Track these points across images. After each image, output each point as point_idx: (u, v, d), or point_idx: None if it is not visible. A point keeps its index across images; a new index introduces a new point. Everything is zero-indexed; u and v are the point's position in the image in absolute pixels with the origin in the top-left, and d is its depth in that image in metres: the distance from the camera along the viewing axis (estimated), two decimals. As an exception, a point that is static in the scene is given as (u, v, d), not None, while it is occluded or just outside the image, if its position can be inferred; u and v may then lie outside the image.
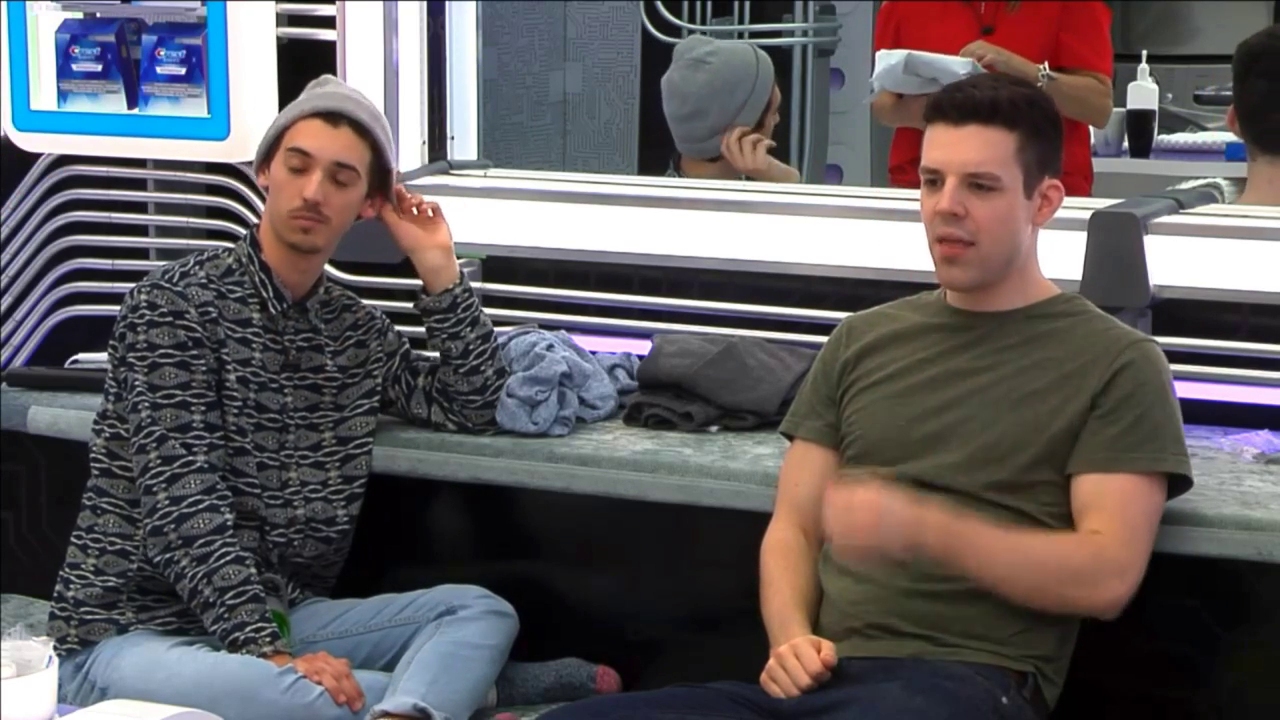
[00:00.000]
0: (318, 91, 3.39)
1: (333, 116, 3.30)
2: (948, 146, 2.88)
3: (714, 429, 3.50)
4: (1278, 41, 3.63)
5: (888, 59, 4.19)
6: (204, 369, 3.26)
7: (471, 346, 3.44)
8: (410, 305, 3.50)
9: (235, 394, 3.29)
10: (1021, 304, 2.96)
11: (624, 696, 3.19)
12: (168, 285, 3.28)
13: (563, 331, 3.68)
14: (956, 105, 2.88)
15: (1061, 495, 2.86)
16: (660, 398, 3.53)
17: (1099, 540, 2.80)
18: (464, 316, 3.43)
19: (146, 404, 3.23)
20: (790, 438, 3.12)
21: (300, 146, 3.28)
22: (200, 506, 3.19)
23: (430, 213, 3.44)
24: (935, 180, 2.89)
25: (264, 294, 3.34)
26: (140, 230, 4.18)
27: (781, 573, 2.97)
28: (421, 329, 3.49)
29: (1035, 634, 2.84)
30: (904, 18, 4.56)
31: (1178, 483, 2.90)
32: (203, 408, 3.24)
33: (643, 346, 3.69)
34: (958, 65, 4.09)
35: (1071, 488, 2.86)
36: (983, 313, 2.96)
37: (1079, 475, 2.85)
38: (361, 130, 3.31)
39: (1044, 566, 2.79)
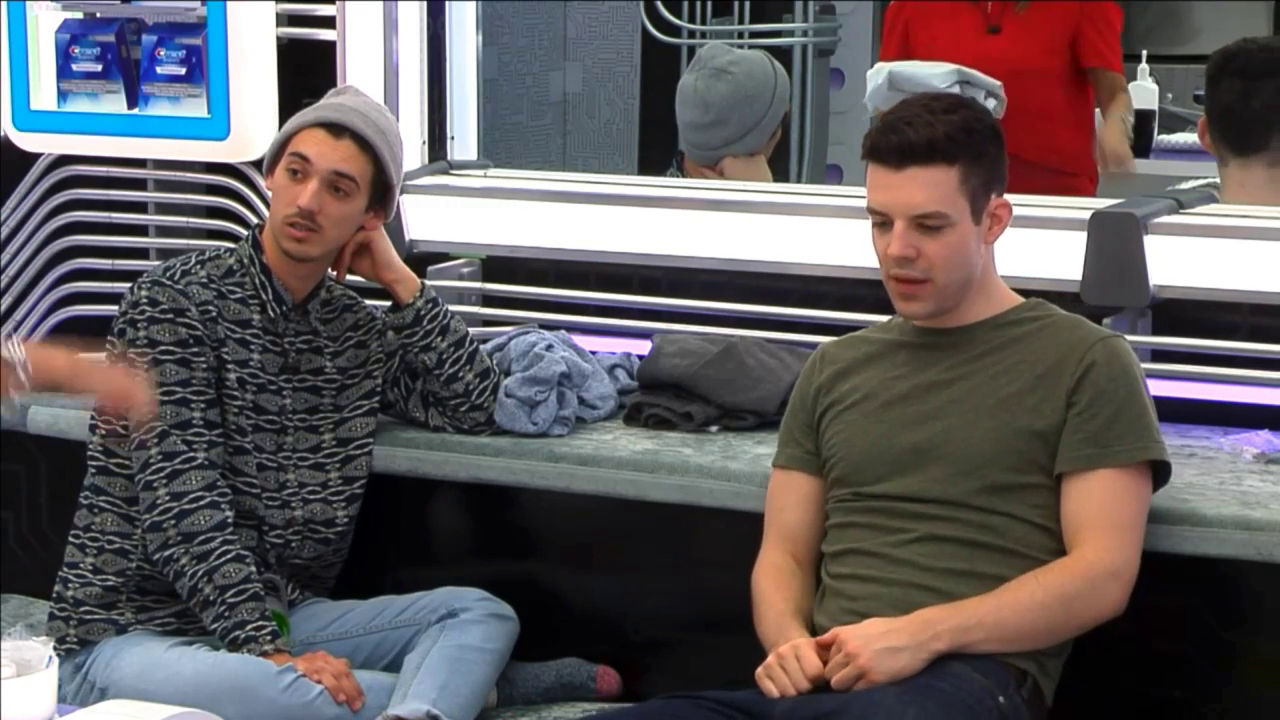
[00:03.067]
0: (330, 101, 3.38)
1: (336, 128, 3.29)
2: (890, 189, 2.87)
3: (714, 429, 3.50)
4: (1251, 44, 3.66)
5: (875, 78, 4.16)
6: (204, 366, 3.25)
7: (445, 355, 3.42)
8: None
9: (234, 394, 3.29)
10: (988, 315, 2.96)
11: (608, 713, 3.17)
12: (169, 282, 3.28)
13: (563, 331, 3.67)
14: (894, 149, 2.85)
15: (1051, 497, 2.86)
16: (660, 398, 3.53)
17: (1084, 558, 2.80)
18: (431, 328, 3.41)
19: (146, 400, 3.23)
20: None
21: (301, 152, 3.28)
22: (201, 503, 3.19)
23: None
24: (883, 221, 2.88)
25: (264, 296, 3.34)
26: (140, 230, 4.18)
27: (775, 589, 2.97)
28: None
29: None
30: (911, 17, 4.56)
31: (1161, 473, 2.90)
32: (203, 405, 3.24)
33: (643, 346, 3.69)
34: (938, 79, 4.00)
35: (1061, 492, 2.86)
36: (950, 328, 2.97)
37: (1066, 478, 2.85)
38: (364, 144, 3.30)
39: (1046, 607, 2.79)
